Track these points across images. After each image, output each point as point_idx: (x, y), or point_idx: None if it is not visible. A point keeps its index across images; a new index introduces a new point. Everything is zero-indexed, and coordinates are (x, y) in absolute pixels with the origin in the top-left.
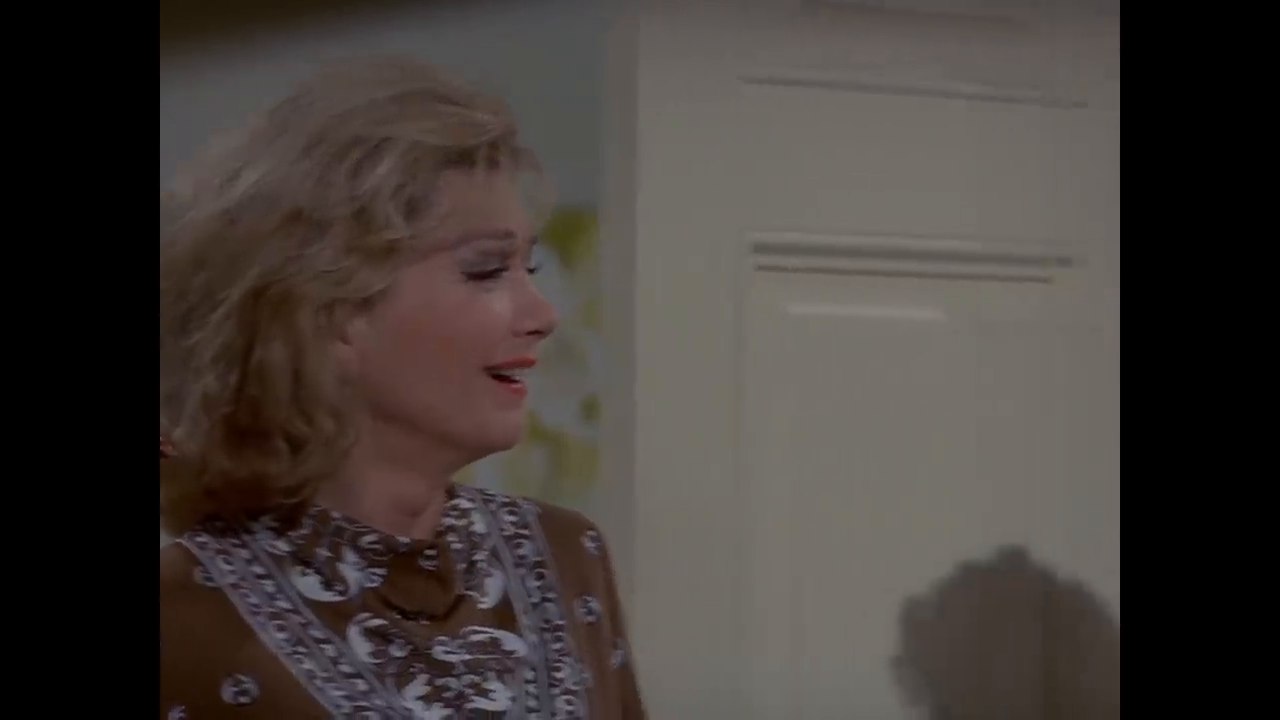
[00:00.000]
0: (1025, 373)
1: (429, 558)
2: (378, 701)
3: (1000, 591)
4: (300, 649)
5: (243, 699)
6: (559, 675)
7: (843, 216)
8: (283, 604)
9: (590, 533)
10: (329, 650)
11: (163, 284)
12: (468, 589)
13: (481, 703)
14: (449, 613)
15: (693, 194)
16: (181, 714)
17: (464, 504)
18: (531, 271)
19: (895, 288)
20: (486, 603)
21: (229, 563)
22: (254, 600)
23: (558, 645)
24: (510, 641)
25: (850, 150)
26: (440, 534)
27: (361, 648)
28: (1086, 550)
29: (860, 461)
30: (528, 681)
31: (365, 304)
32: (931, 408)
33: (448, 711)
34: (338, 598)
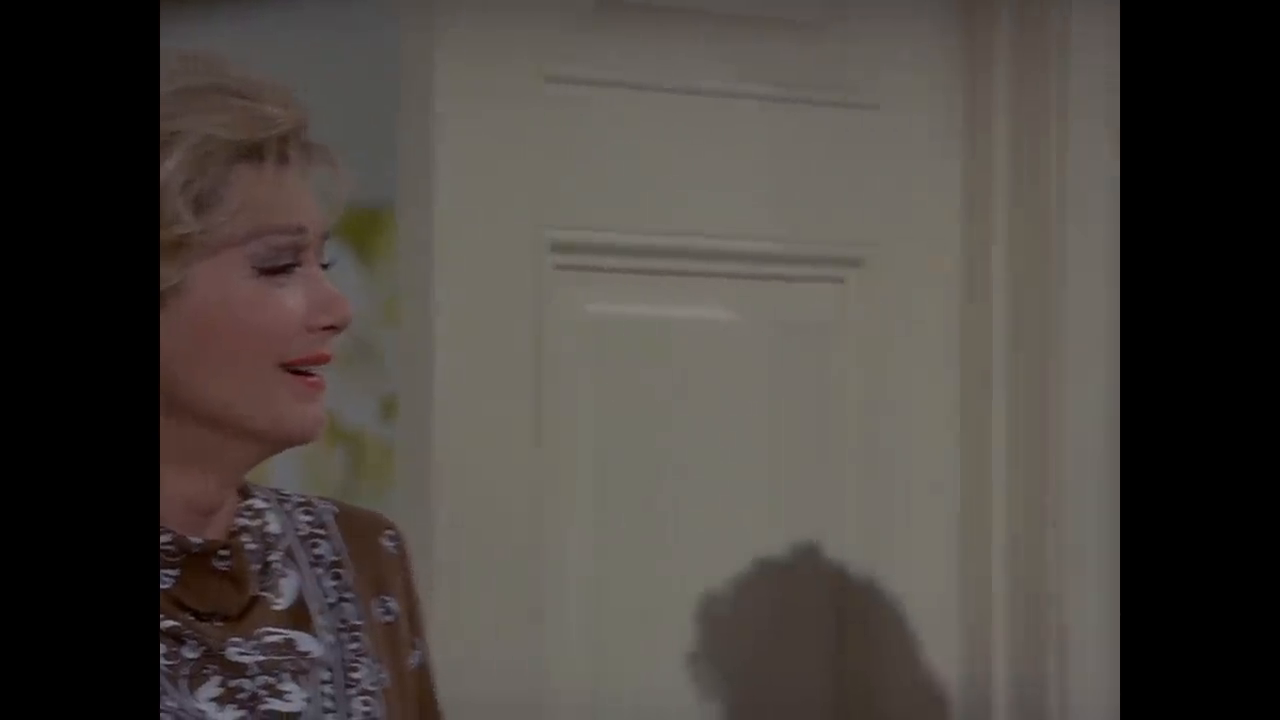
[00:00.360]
0: (819, 373)
1: (222, 558)
2: (170, 703)
3: (795, 588)
4: None
5: None
6: (355, 676)
7: (641, 216)
8: None
9: (389, 532)
10: None
11: None
12: (262, 590)
13: (276, 704)
14: (243, 614)
15: (491, 192)
16: None
17: (258, 504)
18: (325, 267)
19: (692, 288)
20: (281, 603)
21: None
22: None
23: (354, 645)
24: (305, 642)
25: (648, 150)
26: (234, 534)
27: None
28: (879, 547)
29: (657, 460)
30: (323, 682)
31: None
32: (727, 407)
33: (241, 713)
34: None
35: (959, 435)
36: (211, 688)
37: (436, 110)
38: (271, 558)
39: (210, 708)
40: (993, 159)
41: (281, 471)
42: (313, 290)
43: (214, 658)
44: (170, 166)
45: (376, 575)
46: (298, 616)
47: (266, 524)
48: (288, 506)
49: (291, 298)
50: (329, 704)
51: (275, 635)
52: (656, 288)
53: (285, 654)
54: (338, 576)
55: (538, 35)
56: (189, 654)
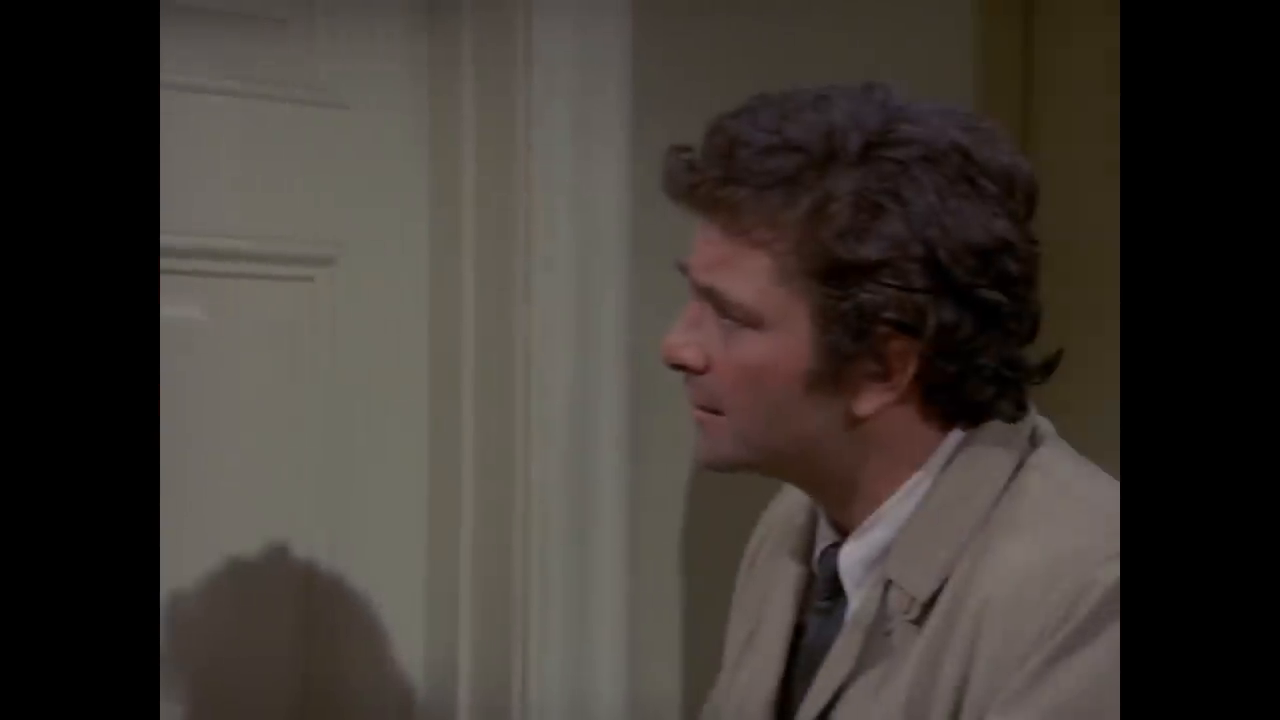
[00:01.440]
0: (290, 372)
1: None
2: None
3: (261, 587)
4: None
5: None
6: None
7: None
8: None
9: None
10: None
11: None
12: None
13: None
14: None
15: None
16: None
17: None
18: None
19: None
20: None
21: None
22: None
23: None
24: None
25: None
26: None
27: None
28: (346, 546)
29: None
30: None
31: None
32: (199, 406)
33: None
34: None
35: (428, 434)
36: None
37: None
38: None
39: None
40: (460, 160)
41: None
42: None
43: None
44: None
45: None
46: None
47: None
48: None
49: None
50: None
51: None
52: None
53: None
54: None
55: None
56: None
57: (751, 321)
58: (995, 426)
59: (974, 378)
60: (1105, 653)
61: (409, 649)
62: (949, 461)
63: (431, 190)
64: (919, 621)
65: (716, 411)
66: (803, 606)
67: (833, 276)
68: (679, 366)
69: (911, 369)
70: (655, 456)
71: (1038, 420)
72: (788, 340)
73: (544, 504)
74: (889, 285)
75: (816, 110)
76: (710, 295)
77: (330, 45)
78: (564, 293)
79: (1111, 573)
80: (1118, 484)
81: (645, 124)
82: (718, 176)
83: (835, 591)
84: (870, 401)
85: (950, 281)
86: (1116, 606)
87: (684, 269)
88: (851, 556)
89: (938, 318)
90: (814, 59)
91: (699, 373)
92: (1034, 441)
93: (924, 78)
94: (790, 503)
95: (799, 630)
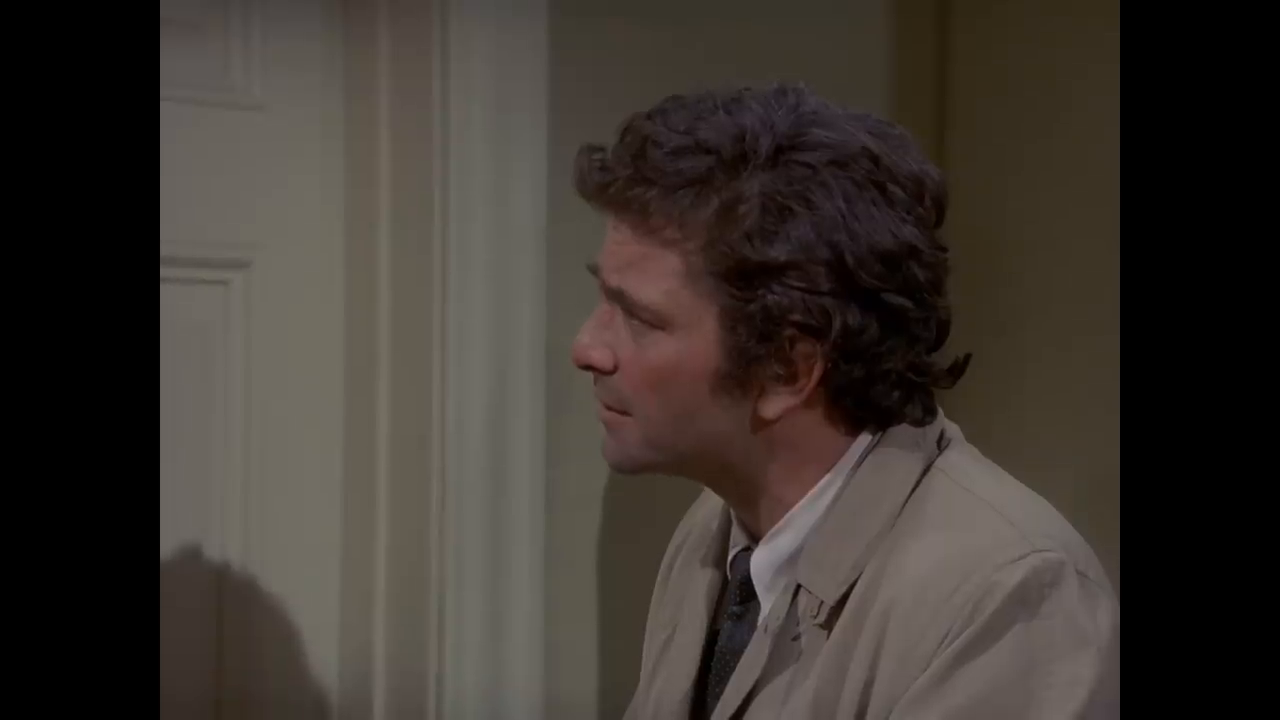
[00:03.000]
0: (204, 375)
1: None
2: None
3: (175, 589)
4: None
5: None
6: None
7: None
8: None
9: None
10: None
11: None
12: None
13: None
14: None
15: None
16: None
17: None
18: None
19: None
20: None
21: None
22: None
23: None
24: None
25: None
26: None
27: None
28: (261, 548)
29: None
30: None
31: None
32: None
33: None
34: None
35: (343, 437)
36: None
37: None
38: None
39: None
40: (376, 162)
41: None
42: None
43: None
44: None
45: None
46: None
47: None
48: None
49: None
50: None
51: None
52: None
53: None
54: None
55: None
56: None
57: (659, 323)
58: (903, 430)
59: (880, 382)
60: (1008, 655)
61: (324, 649)
62: (858, 465)
63: (348, 193)
64: (827, 625)
65: (624, 412)
66: (717, 611)
67: (740, 277)
68: (587, 367)
69: (817, 372)
70: (572, 458)
71: (945, 424)
72: (695, 341)
73: (460, 504)
74: (795, 288)
75: (729, 112)
76: (619, 297)
77: (244, 47)
78: (480, 294)
79: (1013, 575)
80: (1023, 487)
81: (562, 124)
82: (629, 176)
83: (748, 596)
84: (776, 404)
85: (856, 285)
86: (1018, 609)
87: (594, 270)
88: (762, 561)
89: (843, 321)
90: (732, 60)
91: (607, 373)
92: (941, 445)
93: (841, 79)
94: (708, 508)
95: (715, 635)
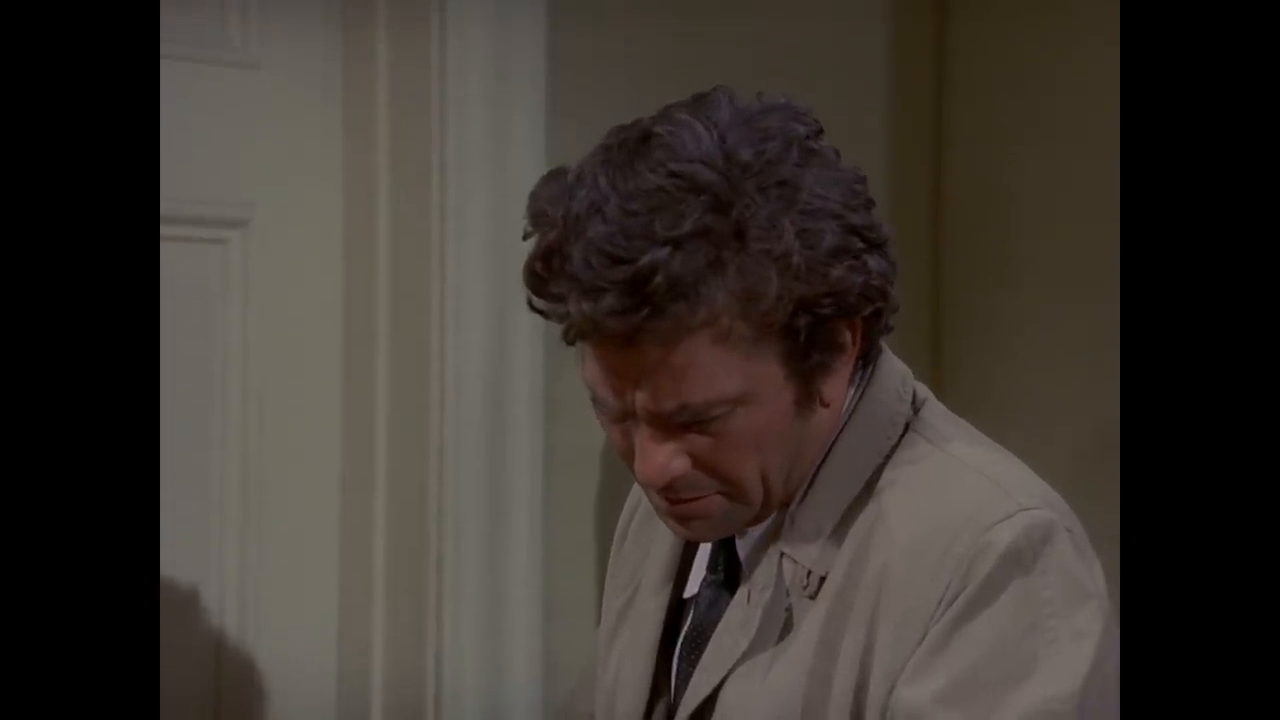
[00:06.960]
0: (204, 334)
1: None
2: None
3: (175, 556)
4: None
5: None
6: None
7: None
8: None
9: None
10: None
11: None
12: None
13: None
14: None
15: None
16: None
17: None
18: None
19: None
20: None
21: None
22: None
23: None
24: None
25: None
26: None
27: None
28: (260, 507)
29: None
30: None
31: None
32: None
33: None
34: None
35: (342, 393)
36: None
37: None
38: None
39: None
40: (374, 120)
41: None
42: None
43: None
44: None
45: None
46: None
47: None
48: None
49: None
50: None
51: None
52: None
53: None
54: None
55: None
56: None
57: (736, 404)
58: (879, 391)
59: (890, 311)
60: (1009, 615)
61: (324, 617)
62: (843, 428)
63: (345, 151)
64: (816, 596)
65: (707, 495)
66: (682, 572)
67: (789, 319)
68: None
69: (859, 333)
70: (571, 418)
71: (916, 385)
72: (767, 392)
73: (458, 466)
74: (854, 284)
75: (670, 179)
76: (681, 413)
77: (242, 5)
78: (479, 254)
79: (1004, 535)
80: (998, 446)
81: (563, 82)
82: (647, 312)
83: (730, 563)
84: (837, 384)
85: (870, 240)
86: (1014, 568)
87: (601, 401)
88: (753, 531)
89: (882, 277)
90: (731, 53)
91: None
92: (915, 406)
93: (841, 79)
94: None
95: (678, 600)
